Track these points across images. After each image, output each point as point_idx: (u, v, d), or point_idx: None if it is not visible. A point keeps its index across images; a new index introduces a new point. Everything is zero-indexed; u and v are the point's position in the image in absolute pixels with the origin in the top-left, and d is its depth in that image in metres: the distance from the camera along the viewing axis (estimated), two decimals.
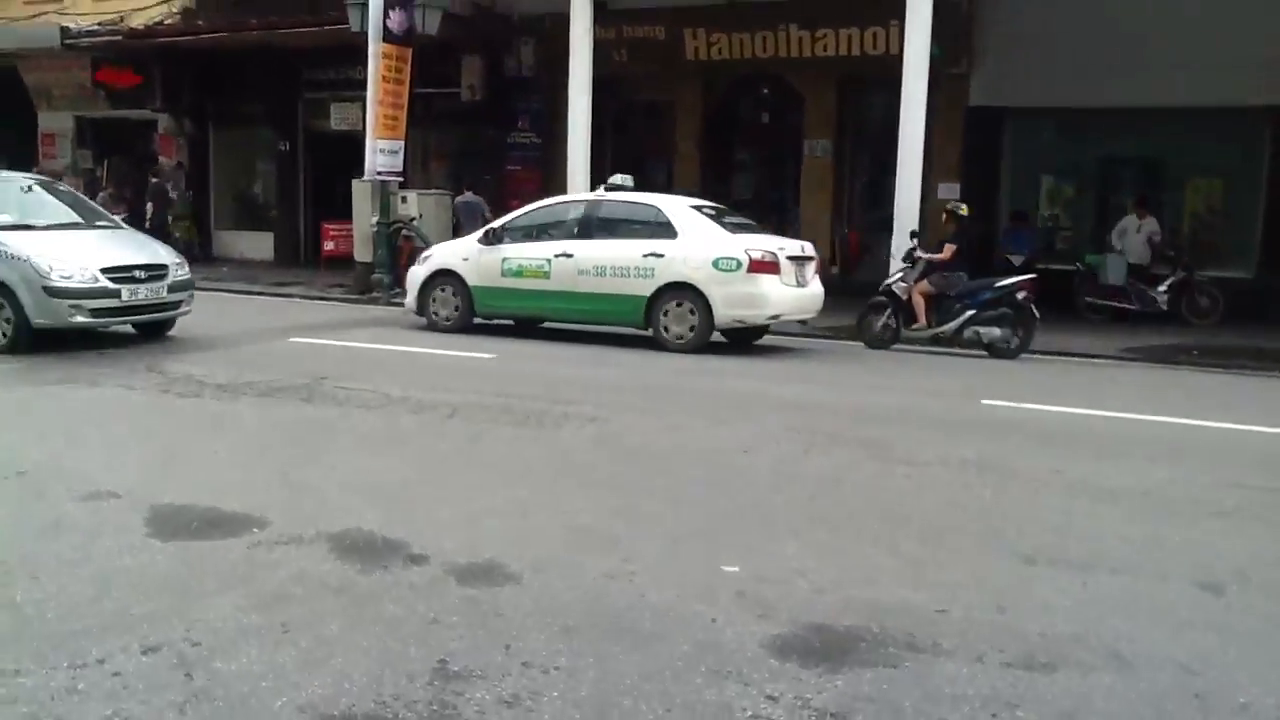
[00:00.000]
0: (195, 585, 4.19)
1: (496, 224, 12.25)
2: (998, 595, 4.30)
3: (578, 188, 14.32)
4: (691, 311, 10.93)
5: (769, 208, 18.10)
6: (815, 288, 11.75)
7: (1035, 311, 11.32)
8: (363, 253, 16.03)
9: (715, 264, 10.84)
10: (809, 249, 11.85)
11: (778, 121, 17.53)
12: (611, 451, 6.71)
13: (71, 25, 20.44)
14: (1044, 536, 5.10)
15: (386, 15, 14.93)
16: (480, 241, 12.02)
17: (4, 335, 9.74)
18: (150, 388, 8.33)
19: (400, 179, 15.99)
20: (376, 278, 15.52)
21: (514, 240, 11.83)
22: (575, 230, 11.58)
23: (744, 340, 11.85)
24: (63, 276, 9.59)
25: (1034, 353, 11.48)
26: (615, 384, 9.14)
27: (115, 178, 22.09)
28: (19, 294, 9.56)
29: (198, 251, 20.89)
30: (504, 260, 11.70)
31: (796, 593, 4.29)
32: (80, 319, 9.73)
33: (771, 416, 7.81)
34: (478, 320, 12.15)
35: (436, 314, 12.22)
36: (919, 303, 11.72)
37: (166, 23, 20.23)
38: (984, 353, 11.47)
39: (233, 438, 6.84)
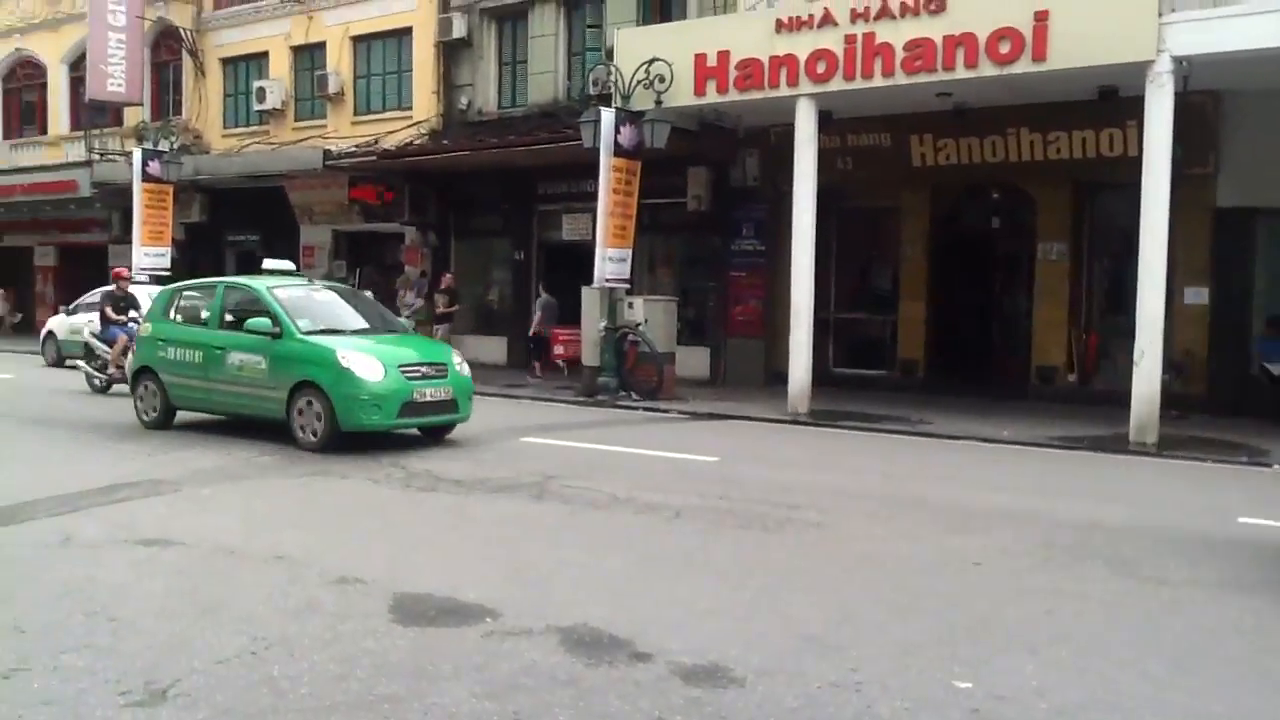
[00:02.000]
0: (432, 670, 4.36)
1: None
2: None
3: (802, 293, 14.36)
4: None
5: (1001, 311, 17.67)
6: None
7: None
8: (590, 356, 16.51)
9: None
10: None
11: (1009, 226, 17.13)
12: (836, 557, 6.59)
13: (332, 148, 22.29)
14: None
15: (617, 131, 15.57)
16: None
17: None
18: (393, 482, 8.79)
19: (627, 285, 16.46)
20: (603, 381, 15.93)
21: None
22: None
23: None
24: None
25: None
26: (841, 488, 8.99)
27: (365, 285, 23.68)
28: None
29: None
30: None
31: (1034, 713, 4.08)
32: None
33: (1003, 527, 7.50)
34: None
35: None
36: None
37: (415, 144, 21.73)
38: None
39: (468, 531, 7.12)
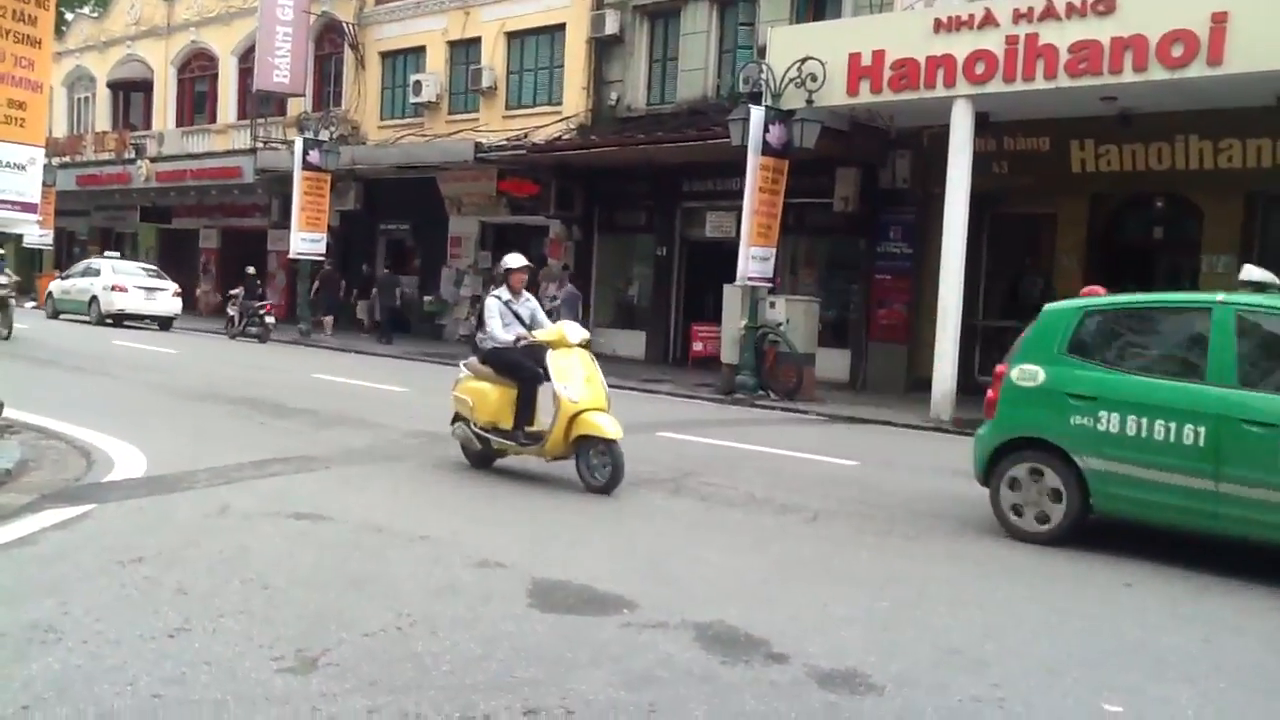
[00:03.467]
0: (570, 657, 4.39)
1: None
2: None
3: (950, 298, 14.05)
4: None
5: None
6: (164, 303, 25.61)
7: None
8: (730, 355, 16.48)
9: (104, 287, 25.21)
10: (161, 285, 25.53)
11: (1172, 236, 16.45)
12: (980, 570, 6.41)
13: (483, 141, 22.75)
14: None
15: (767, 130, 15.48)
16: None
17: None
18: (531, 471, 8.90)
19: (770, 285, 16.36)
20: (741, 380, 15.88)
21: None
22: None
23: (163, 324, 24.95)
24: None
25: None
26: (986, 500, 8.74)
27: None
28: None
29: None
30: None
31: None
32: None
33: (1156, 549, 7.17)
34: None
35: None
36: None
37: (564, 139, 22.04)
38: None
39: (605, 523, 7.16)
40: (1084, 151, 15.71)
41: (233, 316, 24.57)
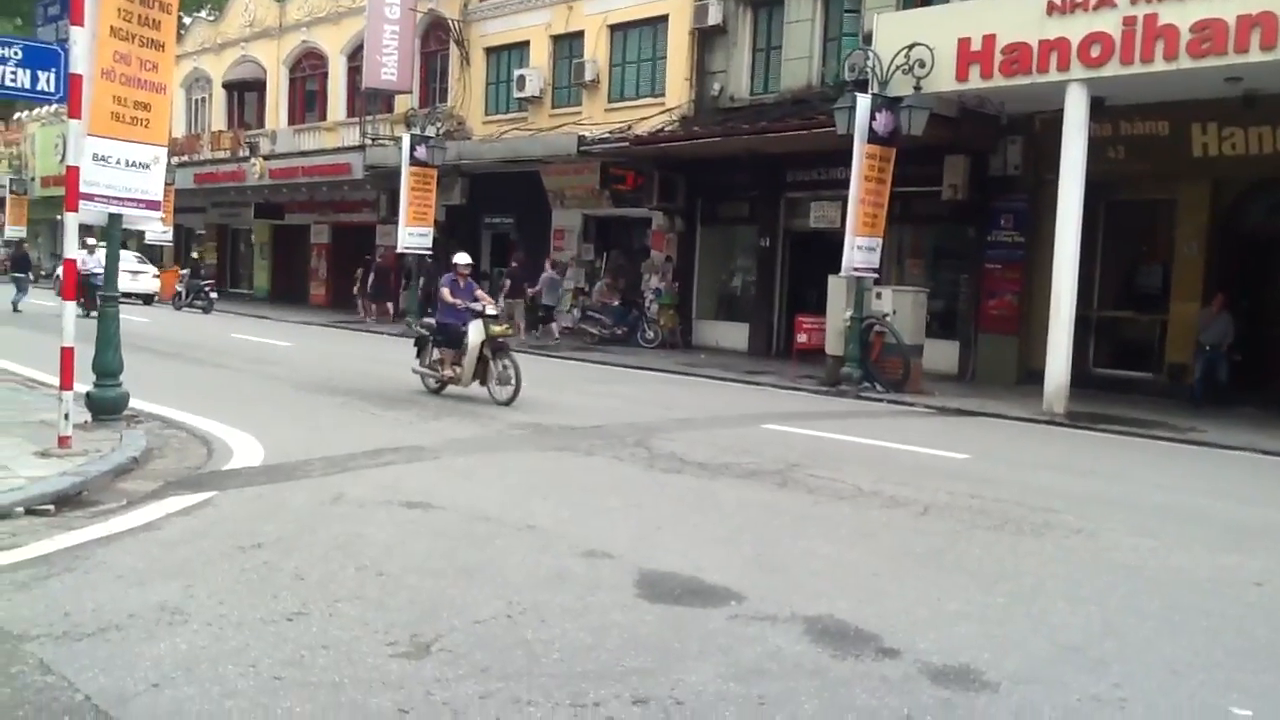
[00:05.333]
0: (678, 647, 4.39)
1: None
2: None
3: (1064, 287, 13.67)
4: None
5: None
6: (145, 283, 30.14)
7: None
8: (835, 346, 16.29)
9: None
10: (143, 268, 29.28)
11: None
12: (1100, 567, 6.22)
13: (586, 134, 22.87)
14: None
15: (873, 118, 15.22)
16: None
17: None
18: (637, 461, 8.93)
19: (876, 275, 16.12)
20: (846, 371, 15.68)
21: None
22: None
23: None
24: None
25: None
26: (1102, 495, 8.50)
27: (612, 269, 24.29)
28: None
29: (679, 339, 22.35)
30: None
31: None
32: None
33: None
34: None
35: None
36: None
37: (666, 130, 22.00)
38: None
39: (712, 514, 7.14)
40: (1205, 135, 15.13)
41: (180, 292, 29.84)
